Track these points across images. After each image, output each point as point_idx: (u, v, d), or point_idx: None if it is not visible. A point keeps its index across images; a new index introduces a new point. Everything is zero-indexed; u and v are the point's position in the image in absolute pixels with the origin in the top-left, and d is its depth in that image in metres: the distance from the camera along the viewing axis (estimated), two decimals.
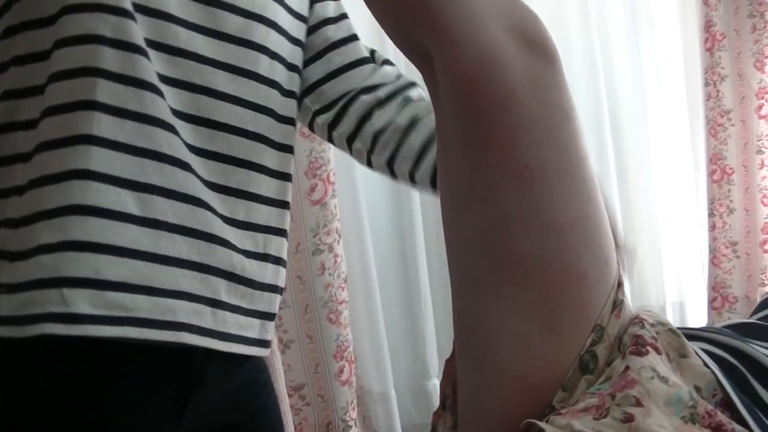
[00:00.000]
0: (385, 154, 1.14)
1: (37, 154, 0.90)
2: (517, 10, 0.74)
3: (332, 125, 1.18)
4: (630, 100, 2.74)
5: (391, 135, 1.13)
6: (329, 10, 1.19)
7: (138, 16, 0.93)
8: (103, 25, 0.91)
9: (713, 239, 2.96)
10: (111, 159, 0.91)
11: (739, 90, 2.95)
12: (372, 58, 1.21)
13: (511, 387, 0.71)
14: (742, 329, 0.83)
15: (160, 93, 0.94)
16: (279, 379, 1.84)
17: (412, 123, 1.12)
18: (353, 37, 1.20)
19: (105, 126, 0.91)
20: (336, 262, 1.94)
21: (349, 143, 1.18)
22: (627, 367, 0.67)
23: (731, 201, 2.94)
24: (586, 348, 0.70)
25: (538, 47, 0.72)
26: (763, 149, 2.92)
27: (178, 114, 0.97)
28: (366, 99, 1.15)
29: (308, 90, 1.18)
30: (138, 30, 0.93)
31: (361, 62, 1.18)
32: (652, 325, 0.73)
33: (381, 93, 1.15)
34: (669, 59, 2.90)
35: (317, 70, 1.17)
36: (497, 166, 0.71)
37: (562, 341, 0.70)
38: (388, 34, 0.82)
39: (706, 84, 2.94)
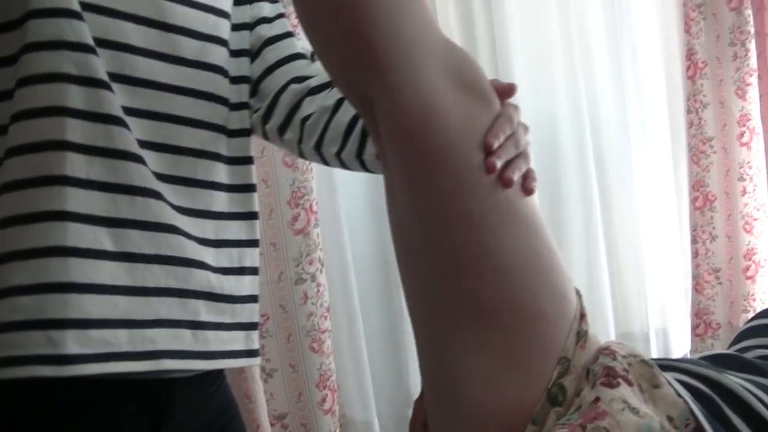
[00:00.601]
0: (313, 138, 1.10)
1: (6, 194, 0.90)
2: (456, 54, 0.76)
3: (265, 118, 1.14)
4: (613, 128, 2.75)
5: (319, 117, 1.09)
6: (265, 10, 1.18)
7: (100, 50, 0.93)
8: (67, 62, 0.91)
9: (696, 266, 2.97)
10: (84, 198, 0.91)
11: (721, 117, 2.97)
12: (311, 57, 1.18)
13: (481, 424, 0.71)
14: (718, 360, 0.83)
15: (126, 125, 0.95)
16: (261, 408, 1.83)
17: (340, 102, 1.08)
18: (287, 34, 1.18)
19: (77, 165, 0.91)
20: (319, 291, 1.94)
21: (280, 134, 1.14)
22: (597, 398, 0.67)
23: (714, 228, 2.95)
24: (553, 381, 0.70)
25: (475, 92, 0.74)
26: (744, 176, 2.94)
27: (144, 144, 0.98)
28: (296, 88, 1.12)
29: (252, 91, 1.16)
30: (101, 64, 0.93)
31: (294, 57, 1.16)
32: (624, 356, 0.73)
33: (313, 82, 1.12)
34: (651, 87, 2.92)
35: (255, 69, 1.16)
36: (441, 214, 0.72)
37: (527, 376, 0.70)
38: (329, 73, 0.82)
39: (689, 111, 2.96)
